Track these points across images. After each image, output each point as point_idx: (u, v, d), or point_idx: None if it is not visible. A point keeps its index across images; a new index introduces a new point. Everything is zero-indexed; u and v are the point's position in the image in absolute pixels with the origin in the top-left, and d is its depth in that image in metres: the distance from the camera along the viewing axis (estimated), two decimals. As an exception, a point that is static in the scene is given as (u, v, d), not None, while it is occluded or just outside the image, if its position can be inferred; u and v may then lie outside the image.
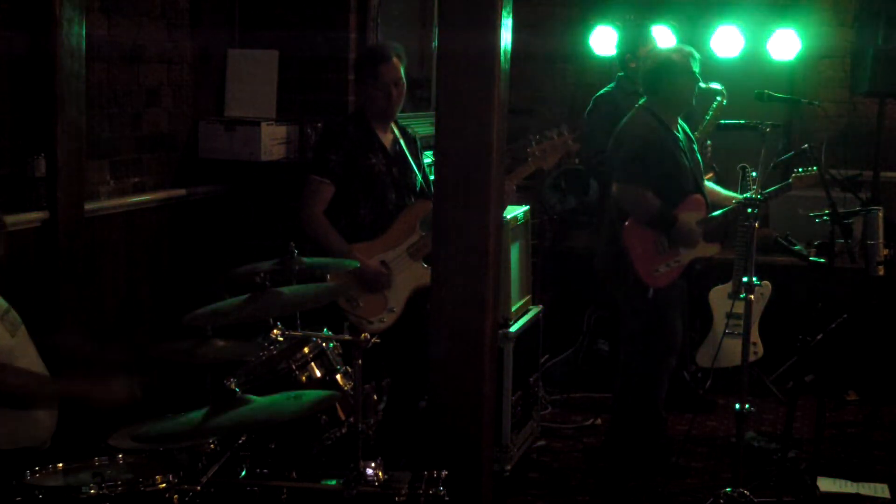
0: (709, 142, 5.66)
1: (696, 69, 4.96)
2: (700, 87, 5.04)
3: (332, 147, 4.61)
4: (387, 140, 4.73)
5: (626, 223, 4.93)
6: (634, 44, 5.95)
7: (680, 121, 5.08)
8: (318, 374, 3.57)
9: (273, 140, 5.34)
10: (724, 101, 5.47)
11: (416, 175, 4.77)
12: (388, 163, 4.67)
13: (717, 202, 5.11)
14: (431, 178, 4.78)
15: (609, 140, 5.13)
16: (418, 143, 4.90)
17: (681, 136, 5.04)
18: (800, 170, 5.09)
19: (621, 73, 6.01)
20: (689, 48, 5.03)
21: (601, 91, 6.06)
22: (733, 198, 5.09)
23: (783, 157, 5.37)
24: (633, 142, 4.95)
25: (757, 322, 5.56)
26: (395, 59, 4.65)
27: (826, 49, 7.05)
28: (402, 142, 4.77)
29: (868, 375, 6.06)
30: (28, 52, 4.17)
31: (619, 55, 6.09)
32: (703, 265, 5.17)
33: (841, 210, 4.82)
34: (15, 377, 3.19)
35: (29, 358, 3.41)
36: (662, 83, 4.96)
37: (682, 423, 5.51)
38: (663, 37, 6.52)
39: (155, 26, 5.04)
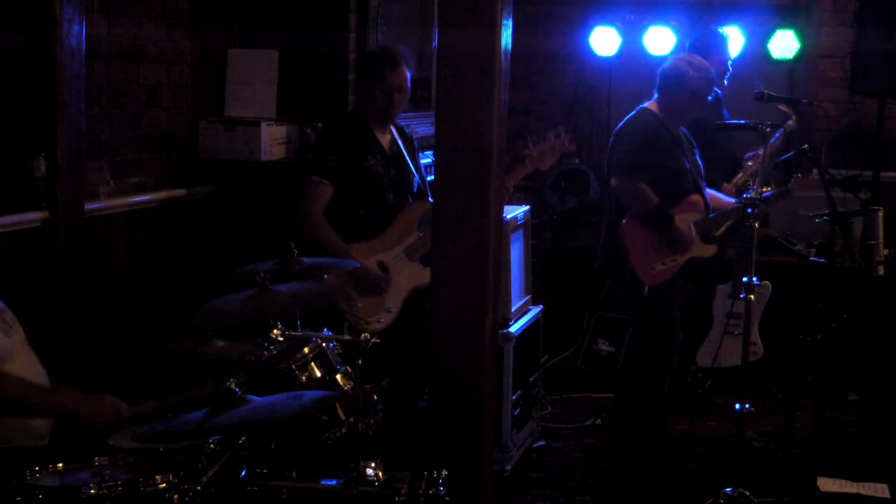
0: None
1: (708, 95, 4.98)
2: (704, 108, 5.08)
3: (331, 147, 4.61)
4: (385, 140, 4.73)
5: (624, 220, 4.95)
6: (704, 49, 5.70)
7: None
8: (318, 374, 3.57)
9: (273, 140, 5.34)
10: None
11: (414, 175, 4.77)
12: (385, 163, 4.67)
13: (719, 208, 5.12)
14: (429, 178, 4.79)
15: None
16: (415, 143, 4.91)
17: (681, 138, 5.07)
18: (799, 176, 5.12)
19: None
20: (711, 75, 5.01)
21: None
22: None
23: (783, 157, 5.37)
24: (632, 138, 4.98)
25: (757, 322, 5.56)
26: (403, 66, 4.65)
27: (826, 49, 7.04)
28: (399, 142, 4.77)
29: (868, 375, 6.06)
30: (28, 52, 4.17)
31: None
32: (702, 265, 5.18)
33: (841, 210, 4.82)
34: (11, 387, 3.20)
35: (24, 358, 3.41)
36: (668, 88, 4.97)
37: (682, 423, 5.51)
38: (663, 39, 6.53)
39: (155, 26, 5.04)
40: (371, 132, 4.69)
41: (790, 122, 5.56)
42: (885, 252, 5.23)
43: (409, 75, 4.68)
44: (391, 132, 4.78)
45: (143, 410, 3.34)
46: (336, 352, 3.67)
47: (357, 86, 5.20)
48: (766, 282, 5.61)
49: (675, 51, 6.08)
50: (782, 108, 5.48)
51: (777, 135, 5.52)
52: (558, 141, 4.77)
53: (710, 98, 5.11)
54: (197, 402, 3.20)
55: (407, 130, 4.90)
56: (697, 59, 5.06)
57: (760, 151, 5.45)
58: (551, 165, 4.94)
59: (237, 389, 2.97)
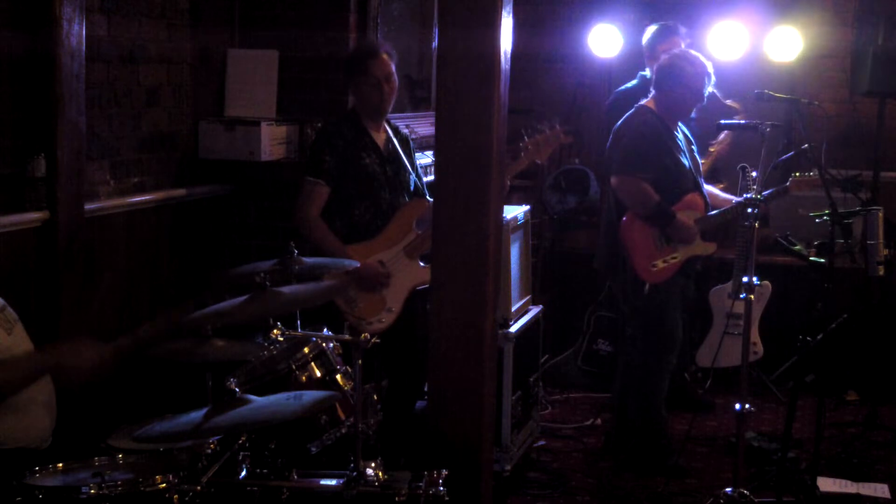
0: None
1: (706, 90, 4.99)
2: (702, 105, 5.09)
3: (327, 148, 4.60)
4: (380, 139, 4.73)
5: (624, 218, 4.95)
6: (659, 41, 5.80)
7: (680, 123, 5.11)
8: (318, 374, 3.58)
9: (273, 140, 5.34)
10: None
11: (410, 174, 4.77)
12: (381, 162, 4.67)
13: (718, 205, 5.13)
14: (427, 178, 4.79)
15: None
16: (411, 142, 4.91)
17: (680, 136, 5.07)
18: (797, 174, 5.12)
19: (644, 73, 5.92)
20: (709, 68, 5.01)
21: (624, 86, 6.01)
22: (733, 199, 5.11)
23: (783, 157, 5.37)
24: (632, 136, 4.98)
25: (757, 322, 5.57)
26: (383, 55, 4.64)
27: (826, 49, 7.03)
28: (395, 141, 4.77)
29: (868, 375, 6.06)
30: (28, 52, 4.17)
31: (649, 47, 5.92)
32: (702, 265, 5.18)
33: (841, 210, 4.82)
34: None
35: (26, 356, 3.41)
36: (666, 85, 4.98)
37: (682, 423, 5.51)
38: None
39: (155, 26, 5.04)
40: (366, 131, 4.68)
41: (737, 117, 5.59)
42: (885, 252, 5.24)
43: (393, 65, 4.67)
44: (386, 131, 4.77)
45: (122, 345, 3.30)
46: (336, 352, 3.67)
47: (348, 87, 5.16)
48: (766, 282, 5.61)
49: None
50: (730, 103, 5.49)
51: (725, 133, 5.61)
52: (553, 133, 4.75)
53: (702, 104, 5.11)
54: (172, 330, 3.17)
55: (403, 130, 4.90)
56: (693, 54, 5.06)
57: (716, 140, 5.52)
58: (548, 160, 4.93)
59: (237, 389, 2.97)
